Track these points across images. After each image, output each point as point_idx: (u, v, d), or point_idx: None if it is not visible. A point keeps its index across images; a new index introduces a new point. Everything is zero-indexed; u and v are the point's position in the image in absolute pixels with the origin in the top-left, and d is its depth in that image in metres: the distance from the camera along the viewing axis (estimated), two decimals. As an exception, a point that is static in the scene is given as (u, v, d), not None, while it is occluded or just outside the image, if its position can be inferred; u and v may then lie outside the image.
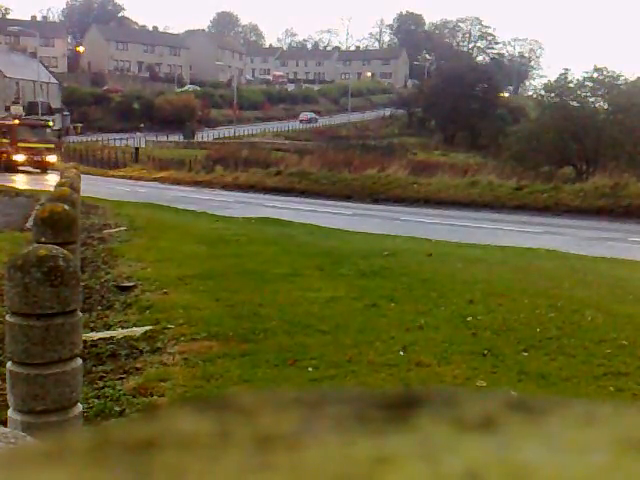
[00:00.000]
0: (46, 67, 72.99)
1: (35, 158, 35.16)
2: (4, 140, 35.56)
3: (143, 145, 53.36)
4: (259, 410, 0.29)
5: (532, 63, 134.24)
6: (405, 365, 4.72)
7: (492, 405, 0.29)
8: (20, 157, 34.74)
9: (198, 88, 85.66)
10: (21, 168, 34.61)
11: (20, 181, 27.80)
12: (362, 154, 38.95)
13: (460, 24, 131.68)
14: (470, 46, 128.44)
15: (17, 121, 36.74)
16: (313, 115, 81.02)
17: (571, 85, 41.77)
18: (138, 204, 17.85)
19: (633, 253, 10.49)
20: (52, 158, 35.57)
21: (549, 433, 0.27)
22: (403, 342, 5.20)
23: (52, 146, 36.37)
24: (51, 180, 26.04)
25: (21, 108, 47.17)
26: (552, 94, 42.39)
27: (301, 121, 78.98)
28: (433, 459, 0.25)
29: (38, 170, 34.80)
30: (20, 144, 34.68)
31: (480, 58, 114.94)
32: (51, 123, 39.50)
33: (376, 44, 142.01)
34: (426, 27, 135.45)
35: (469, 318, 5.92)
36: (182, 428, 0.28)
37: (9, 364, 3.08)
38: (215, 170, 32.01)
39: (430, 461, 0.25)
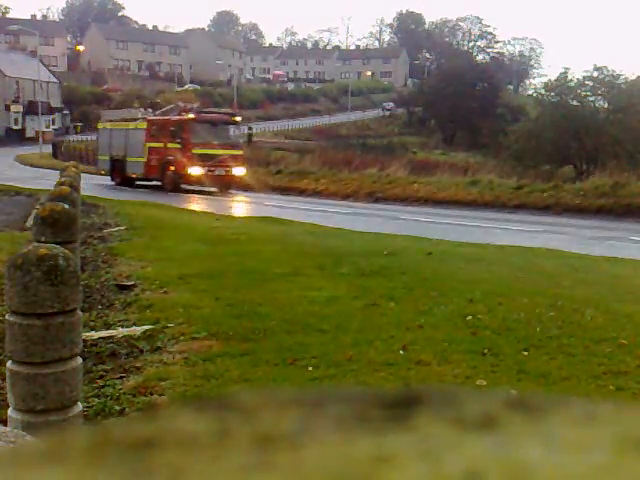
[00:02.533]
0: (46, 66, 72.96)
1: (216, 172, 23.73)
2: (172, 145, 24.08)
3: (143, 144, 53.14)
4: (259, 409, 0.29)
5: (532, 62, 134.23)
6: (405, 364, 4.72)
7: (492, 404, 0.29)
8: (197, 170, 23.35)
9: (198, 87, 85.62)
10: (189, 186, 24.15)
11: (198, 210, 17.98)
12: (362, 153, 38.98)
13: (460, 23, 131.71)
14: (470, 45, 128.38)
15: (192, 116, 24.42)
16: (392, 105, 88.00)
17: (571, 84, 41.75)
18: (138, 203, 17.85)
19: (633, 252, 10.49)
20: (239, 171, 24.44)
21: (549, 432, 0.27)
22: (403, 341, 5.20)
23: (239, 152, 24.89)
24: (241, 209, 19.20)
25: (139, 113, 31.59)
26: (552, 93, 42.37)
27: (383, 109, 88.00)
28: (433, 458, 0.25)
29: (215, 189, 23.79)
30: (196, 150, 23.47)
31: (480, 57, 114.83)
32: (238, 118, 26.48)
33: (376, 43, 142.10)
34: (426, 26, 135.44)
35: (469, 317, 5.91)
36: (182, 427, 0.28)
37: (9, 363, 3.08)
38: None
39: (430, 460, 0.25)
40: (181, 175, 23.88)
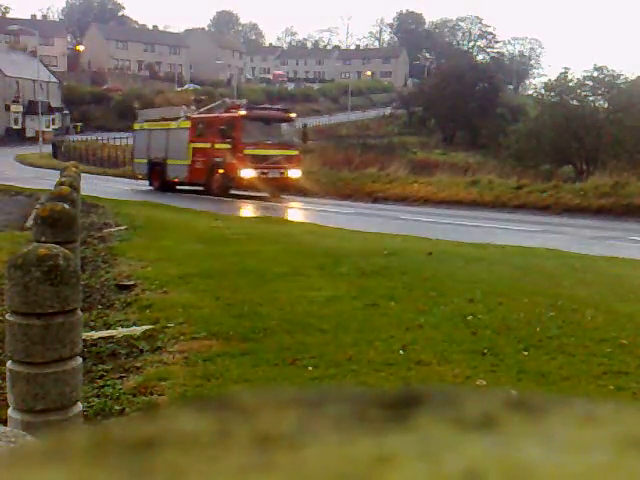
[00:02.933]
0: (46, 66, 73.00)
1: (270, 174, 21.51)
2: (221, 145, 21.81)
3: (143, 144, 53.17)
4: (259, 409, 0.29)
5: (532, 62, 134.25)
6: (405, 364, 4.72)
7: (492, 404, 0.29)
8: (249, 172, 21.13)
9: (198, 87, 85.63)
10: (237, 190, 21.88)
11: (250, 215, 16.97)
12: (362, 153, 38.96)
13: (460, 23, 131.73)
14: (470, 45, 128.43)
15: (244, 112, 21.90)
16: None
17: (571, 84, 41.77)
18: (138, 203, 17.85)
19: (633, 252, 10.49)
20: (295, 173, 22.18)
21: (549, 432, 0.27)
22: (403, 341, 5.20)
23: (295, 152, 22.53)
24: (296, 216, 17.36)
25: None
26: (552, 93, 42.40)
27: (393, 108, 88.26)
28: (433, 458, 0.25)
29: (266, 193, 21.43)
30: (248, 150, 21.15)
31: (480, 57, 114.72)
32: (293, 114, 23.98)
33: (376, 43, 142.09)
34: (426, 26, 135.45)
35: (469, 317, 5.92)
36: (182, 427, 0.28)
37: (9, 363, 3.08)
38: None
39: (430, 460, 0.25)
40: (231, 178, 21.56)
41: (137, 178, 27.24)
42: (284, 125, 23.08)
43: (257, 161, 21.24)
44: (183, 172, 23.75)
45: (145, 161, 26.24)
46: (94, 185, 21.19)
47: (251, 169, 21.17)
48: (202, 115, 24.39)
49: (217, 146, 22.02)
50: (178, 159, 23.85)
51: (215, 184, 22.13)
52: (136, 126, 28.11)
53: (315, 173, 25.37)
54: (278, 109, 25.17)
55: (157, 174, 25.36)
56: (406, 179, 24.32)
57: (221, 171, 21.91)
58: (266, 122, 22.34)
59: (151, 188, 25.42)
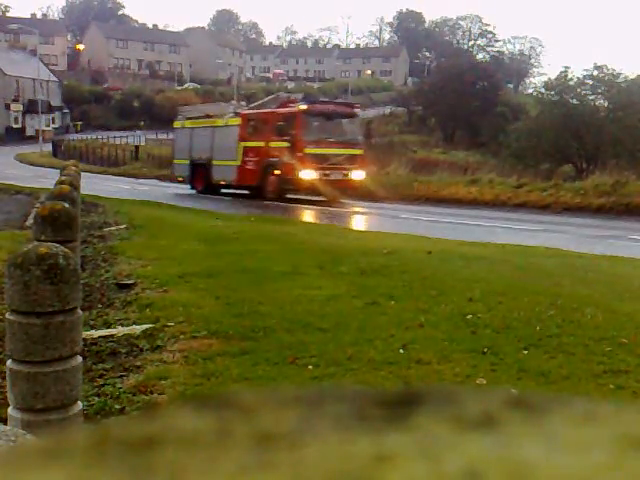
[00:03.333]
0: (46, 65, 73.01)
1: (332, 176, 19.45)
2: (278, 144, 19.89)
3: (143, 143, 53.34)
4: (259, 408, 0.29)
5: (532, 61, 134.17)
6: (405, 363, 4.72)
7: (492, 403, 0.29)
8: (310, 174, 19.14)
9: (198, 86, 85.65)
10: (292, 193, 20.02)
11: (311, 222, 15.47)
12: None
13: (460, 22, 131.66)
14: (470, 44, 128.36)
15: (305, 107, 20.00)
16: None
17: (571, 83, 41.80)
18: (138, 202, 17.85)
19: (633, 251, 10.49)
20: (358, 175, 20.21)
21: (549, 431, 0.27)
22: (403, 340, 5.21)
23: (359, 152, 20.53)
24: (356, 222, 16.04)
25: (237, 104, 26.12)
26: (552, 92, 42.42)
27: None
28: (433, 457, 0.25)
29: (324, 197, 19.50)
30: (309, 149, 19.20)
31: (480, 56, 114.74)
32: (357, 109, 21.81)
33: (376, 42, 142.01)
34: (426, 25, 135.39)
35: (469, 316, 5.92)
36: (182, 426, 0.28)
37: (9, 362, 3.08)
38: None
39: (430, 459, 0.25)
40: (288, 180, 19.49)
41: (178, 181, 25.33)
42: (346, 121, 20.92)
43: (318, 161, 19.19)
44: (231, 174, 21.79)
45: (187, 162, 24.25)
46: (94, 184, 21.19)
47: (312, 170, 19.11)
48: (255, 111, 22.48)
49: (273, 145, 20.06)
50: (225, 159, 21.95)
51: (270, 187, 20.15)
52: (176, 124, 26.30)
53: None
54: (341, 103, 23.18)
55: (200, 176, 23.38)
56: (406, 178, 24.19)
57: (277, 172, 19.83)
58: (328, 118, 20.24)
59: (193, 192, 23.56)
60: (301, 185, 19.51)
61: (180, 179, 25.05)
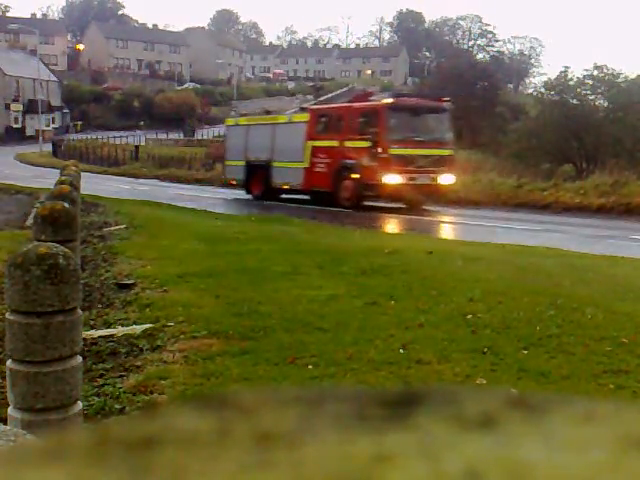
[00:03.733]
0: (46, 65, 73.00)
1: (419, 180, 17.00)
2: (356, 143, 17.47)
3: (143, 143, 53.36)
4: (259, 408, 0.29)
5: (532, 61, 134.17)
6: (405, 363, 4.72)
7: (492, 403, 0.29)
8: (395, 178, 16.74)
9: (198, 86, 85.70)
10: (371, 200, 17.59)
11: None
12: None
13: (460, 22, 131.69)
14: (470, 44, 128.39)
15: (390, 100, 17.60)
16: None
17: (571, 83, 41.80)
18: (138, 202, 17.85)
19: (633, 251, 10.49)
20: (447, 179, 17.76)
21: (549, 431, 0.27)
22: (403, 340, 5.21)
23: (449, 152, 18.07)
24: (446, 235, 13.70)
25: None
26: (552, 92, 42.42)
27: None
28: (433, 457, 0.25)
29: (405, 204, 17.22)
30: (394, 150, 16.83)
31: (480, 56, 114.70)
32: (447, 102, 18.82)
33: (376, 42, 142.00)
34: (426, 25, 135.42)
35: (469, 316, 5.92)
36: (182, 426, 0.28)
37: (9, 362, 3.08)
38: (215, 168, 31.98)
39: (430, 459, 0.25)
40: (369, 185, 16.97)
41: (230, 184, 23.10)
42: (435, 117, 18.28)
43: (405, 163, 16.74)
44: (296, 177, 19.39)
45: (242, 164, 21.84)
46: (94, 184, 21.19)
47: (397, 174, 16.65)
48: (327, 106, 19.81)
49: (349, 144, 17.58)
50: (289, 161, 19.70)
51: (345, 193, 17.67)
52: (229, 121, 24.15)
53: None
54: (428, 96, 20.84)
55: (258, 179, 21.01)
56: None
57: (355, 176, 17.29)
58: (415, 113, 17.61)
59: (249, 197, 21.50)
60: (384, 191, 17.00)
61: (233, 182, 22.80)
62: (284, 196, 20.46)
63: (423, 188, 17.08)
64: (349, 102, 18.95)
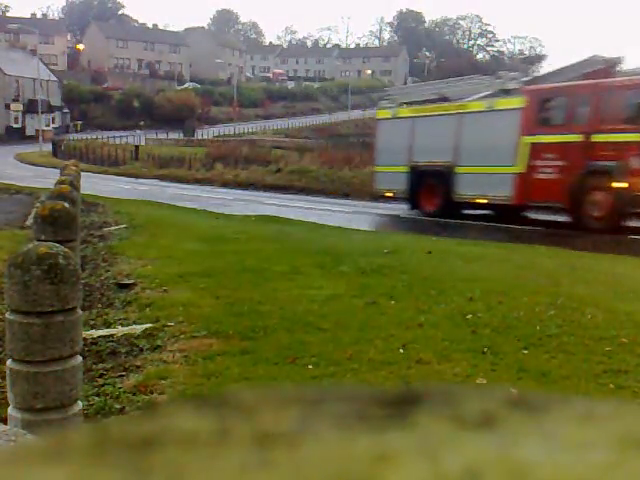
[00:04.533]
0: (46, 65, 72.97)
1: None
2: (617, 137, 12.71)
3: (143, 143, 53.31)
4: (259, 407, 0.29)
5: (532, 61, 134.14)
6: (405, 363, 4.72)
7: (492, 402, 0.29)
8: None
9: (198, 86, 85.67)
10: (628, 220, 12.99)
11: None
12: (362, 152, 38.91)
13: (460, 22, 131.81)
14: (470, 44, 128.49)
15: None
16: None
17: (571, 83, 41.72)
18: (138, 202, 17.84)
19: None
20: None
21: (549, 431, 0.27)
22: (403, 340, 5.20)
23: None
24: None
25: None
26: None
27: None
28: (433, 456, 0.25)
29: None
30: None
31: (480, 56, 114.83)
32: None
33: (376, 42, 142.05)
34: (426, 25, 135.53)
35: (469, 316, 5.92)
36: (182, 426, 0.28)
37: (9, 362, 3.08)
38: (215, 168, 31.99)
39: (430, 458, 0.25)
40: (625, 201, 12.54)
41: (384, 196, 18.43)
42: None
43: None
44: (501, 187, 14.67)
45: (403, 170, 17.01)
46: (94, 184, 21.18)
47: None
48: (558, 85, 14.24)
49: (603, 138, 12.84)
50: (489, 165, 14.88)
51: (595, 208, 13.08)
52: (381, 113, 18.77)
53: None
54: None
55: (431, 191, 16.26)
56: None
57: (615, 185, 12.62)
58: None
59: (413, 214, 16.84)
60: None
61: (392, 194, 17.81)
62: (465, 212, 16.06)
63: None
64: (597, 78, 13.66)
